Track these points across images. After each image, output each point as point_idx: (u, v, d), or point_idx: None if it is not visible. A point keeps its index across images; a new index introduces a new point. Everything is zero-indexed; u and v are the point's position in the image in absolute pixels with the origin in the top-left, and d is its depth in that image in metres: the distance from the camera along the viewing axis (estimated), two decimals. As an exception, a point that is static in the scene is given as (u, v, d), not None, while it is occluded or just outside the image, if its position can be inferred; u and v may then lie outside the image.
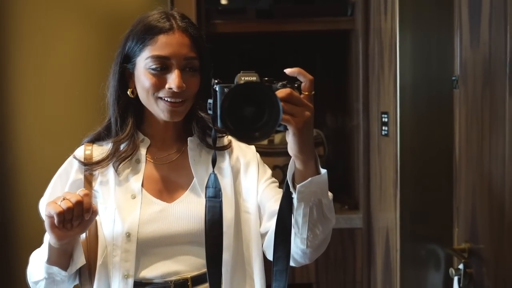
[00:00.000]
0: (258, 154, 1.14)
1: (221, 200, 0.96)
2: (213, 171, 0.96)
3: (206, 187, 0.97)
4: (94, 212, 0.93)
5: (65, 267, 1.00)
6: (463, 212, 1.47)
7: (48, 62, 1.87)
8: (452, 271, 1.43)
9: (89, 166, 1.07)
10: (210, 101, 0.90)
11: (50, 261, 0.98)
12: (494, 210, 1.27)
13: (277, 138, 2.09)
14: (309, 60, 2.52)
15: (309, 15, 2.09)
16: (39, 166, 1.88)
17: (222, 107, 0.79)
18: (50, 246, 0.97)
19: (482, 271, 1.34)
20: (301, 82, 0.86)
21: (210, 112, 0.90)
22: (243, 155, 1.12)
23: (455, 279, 1.46)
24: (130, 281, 1.02)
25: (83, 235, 1.03)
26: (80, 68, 1.88)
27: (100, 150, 1.09)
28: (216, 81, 0.89)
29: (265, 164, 1.14)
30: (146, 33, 1.01)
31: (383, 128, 1.74)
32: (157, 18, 1.02)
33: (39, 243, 1.11)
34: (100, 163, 1.07)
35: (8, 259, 1.92)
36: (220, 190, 0.96)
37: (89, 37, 1.87)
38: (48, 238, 0.97)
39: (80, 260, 1.01)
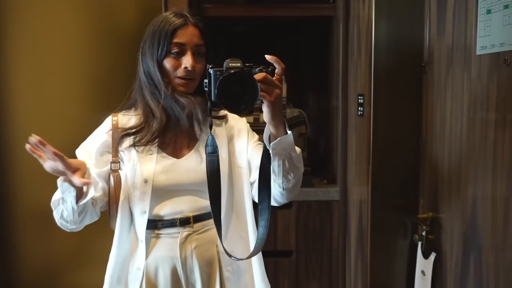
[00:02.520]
0: (248, 124, 1.44)
1: (218, 155, 1.23)
2: (211, 133, 1.23)
3: (206, 146, 1.24)
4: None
5: (78, 198, 1.22)
6: (427, 185, 1.62)
7: (43, 52, 1.97)
8: (416, 237, 1.59)
9: (119, 130, 1.34)
10: (206, 80, 1.16)
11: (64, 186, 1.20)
12: (452, 184, 1.42)
13: (261, 117, 2.23)
14: (295, 44, 2.63)
15: (295, 1, 2.20)
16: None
17: (218, 88, 1.07)
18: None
19: (441, 238, 1.50)
20: (275, 68, 1.12)
21: (206, 89, 1.16)
22: (236, 124, 1.42)
23: (419, 244, 1.62)
24: (145, 216, 1.32)
25: (111, 182, 1.32)
26: (74, 57, 1.98)
27: (126, 119, 1.36)
28: (210, 66, 1.14)
29: (253, 132, 1.42)
30: (167, 28, 1.29)
31: (359, 108, 1.88)
32: (172, 17, 1.31)
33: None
34: (132, 129, 1.33)
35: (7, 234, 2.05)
36: (217, 147, 1.23)
37: (84, 29, 1.97)
38: None
39: (89, 193, 1.22)
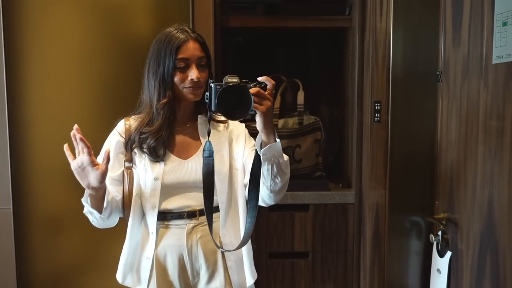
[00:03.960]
0: (246, 130, 1.58)
1: (213, 159, 1.39)
2: (208, 140, 1.39)
3: (203, 150, 1.40)
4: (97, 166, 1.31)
5: (100, 211, 1.41)
6: (442, 187, 1.70)
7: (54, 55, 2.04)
8: (432, 236, 1.67)
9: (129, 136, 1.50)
10: (207, 93, 1.33)
11: (91, 204, 1.39)
12: (468, 186, 1.49)
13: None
14: (309, 54, 2.73)
15: (311, 13, 2.30)
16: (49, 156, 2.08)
17: (218, 98, 1.26)
18: (87, 193, 1.37)
19: (457, 237, 1.57)
20: (267, 84, 1.29)
21: (207, 101, 1.33)
22: (236, 129, 1.56)
23: (434, 243, 1.70)
24: (156, 210, 1.48)
25: (125, 179, 1.49)
26: (87, 65, 2.04)
27: (137, 123, 1.50)
28: (211, 81, 1.31)
29: (251, 137, 1.55)
30: (171, 46, 1.43)
31: (376, 115, 1.96)
32: (176, 33, 1.45)
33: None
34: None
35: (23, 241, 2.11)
36: (212, 152, 1.38)
37: (98, 39, 2.03)
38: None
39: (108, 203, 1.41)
